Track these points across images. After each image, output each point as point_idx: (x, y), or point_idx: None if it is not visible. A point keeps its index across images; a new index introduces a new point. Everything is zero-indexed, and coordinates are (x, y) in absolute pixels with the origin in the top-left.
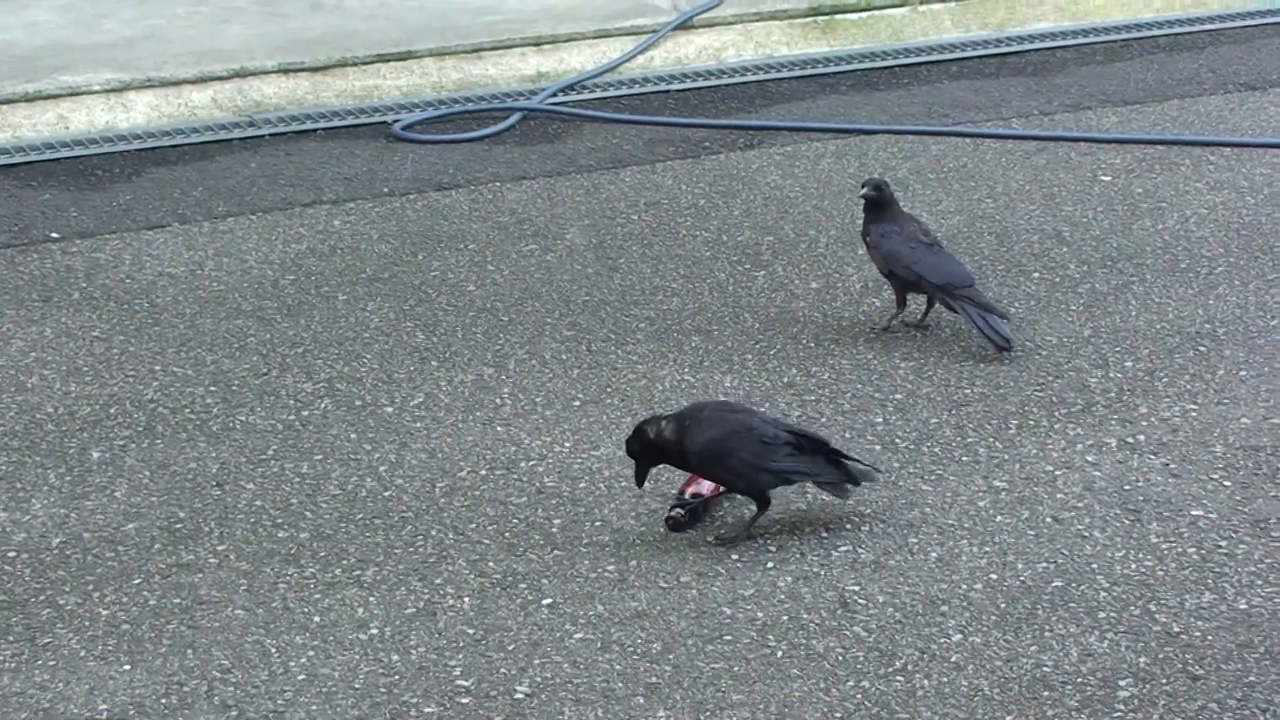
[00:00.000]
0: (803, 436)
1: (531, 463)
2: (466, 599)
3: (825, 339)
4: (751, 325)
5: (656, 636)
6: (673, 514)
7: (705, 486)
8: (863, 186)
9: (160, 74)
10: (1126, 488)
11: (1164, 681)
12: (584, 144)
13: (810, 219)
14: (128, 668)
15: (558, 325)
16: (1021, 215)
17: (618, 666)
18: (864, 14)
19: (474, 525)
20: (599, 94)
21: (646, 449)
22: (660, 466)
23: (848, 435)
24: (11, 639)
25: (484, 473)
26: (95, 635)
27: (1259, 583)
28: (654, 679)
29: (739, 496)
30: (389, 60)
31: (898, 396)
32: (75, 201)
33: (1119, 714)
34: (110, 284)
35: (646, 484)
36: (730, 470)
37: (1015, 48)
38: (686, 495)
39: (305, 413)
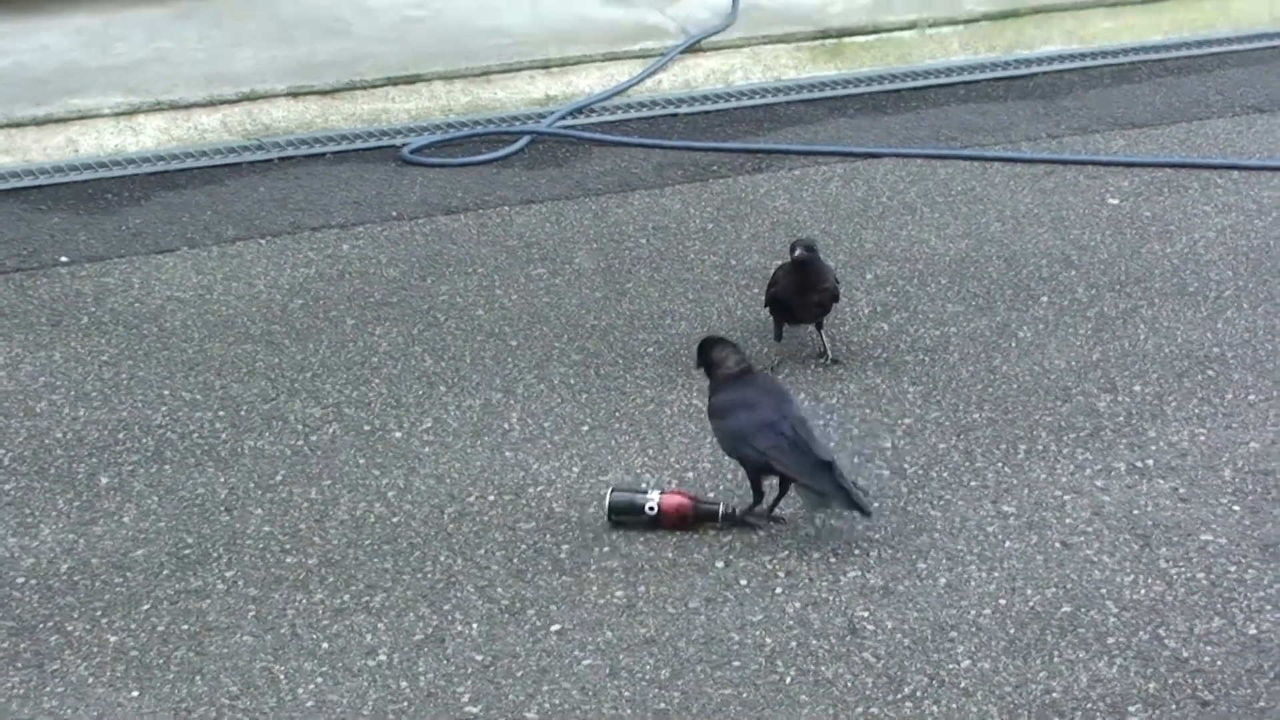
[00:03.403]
0: (810, 444)
1: (540, 488)
2: (475, 625)
3: (833, 363)
4: (759, 350)
5: (665, 663)
6: (613, 497)
7: (671, 502)
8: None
9: (170, 97)
10: (1135, 512)
11: (1173, 707)
12: (592, 167)
13: (818, 243)
14: (136, 694)
15: (566, 350)
16: (1029, 239)
17: (626, 693)
18: (872, 37)
19: (482, 551)
20: (607, 117)
21: (705, 363)
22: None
23: (855, 460)
24: (20, 665)
25: (492, 498)
26: (103, 661)
27: (1269, 607)
28: (663, 705)
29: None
30: (398, 83)
31: (906, 421)
32: (84, 225)
33: None
34: (119, 308)
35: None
36: (721, 431)
37: (1023, 71)
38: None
39: (313, 438)
